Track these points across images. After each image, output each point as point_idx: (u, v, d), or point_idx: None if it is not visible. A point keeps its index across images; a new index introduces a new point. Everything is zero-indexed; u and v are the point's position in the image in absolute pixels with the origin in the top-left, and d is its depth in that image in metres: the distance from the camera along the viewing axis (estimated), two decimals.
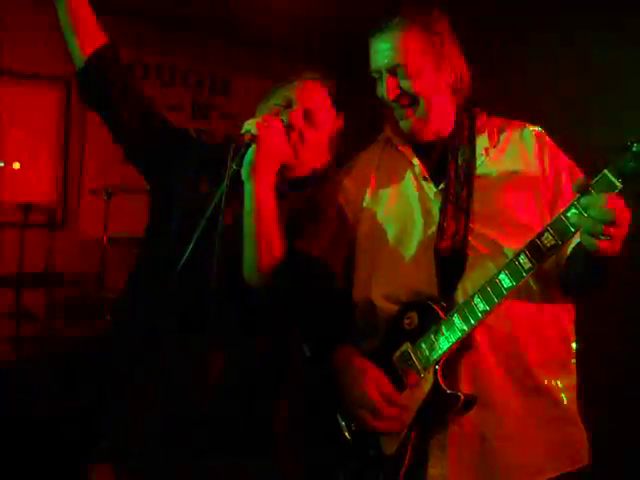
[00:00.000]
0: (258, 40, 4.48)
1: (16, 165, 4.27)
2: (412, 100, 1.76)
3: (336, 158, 1.90)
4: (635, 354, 2.97)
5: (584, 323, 1.79)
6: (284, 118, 1.71)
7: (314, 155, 1.82)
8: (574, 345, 1.75)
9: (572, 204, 1.43)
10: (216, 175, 1.75)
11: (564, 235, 1.45)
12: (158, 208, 1.86)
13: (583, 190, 1.40)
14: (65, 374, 3.51)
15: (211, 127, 4.95)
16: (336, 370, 1.73)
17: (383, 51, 1.75)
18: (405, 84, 1.75)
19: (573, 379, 1.74)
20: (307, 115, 1.76)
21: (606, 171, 1.38)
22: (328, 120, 1.82)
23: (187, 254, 1.53)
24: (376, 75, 1.80)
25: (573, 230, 1.44)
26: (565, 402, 1.69)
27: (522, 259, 1.51)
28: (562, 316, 1.73)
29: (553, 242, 1.47)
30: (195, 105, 4.92)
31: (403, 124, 1.80)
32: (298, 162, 1.77)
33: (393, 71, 1.75)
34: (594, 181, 1.39)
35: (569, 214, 1.43)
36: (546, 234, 1.48)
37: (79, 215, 4.48)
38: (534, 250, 1.49)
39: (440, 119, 1.82)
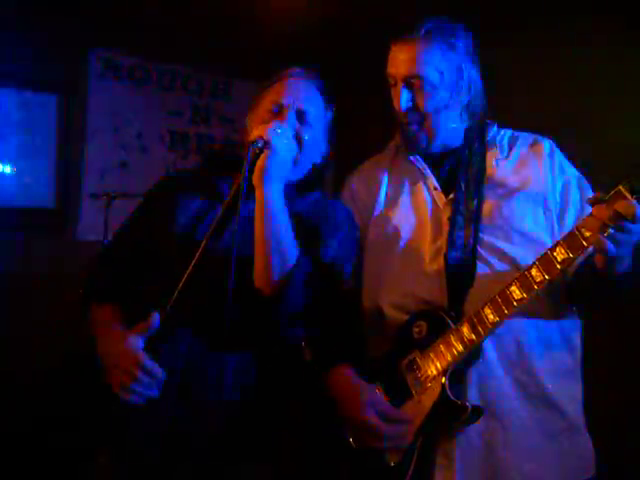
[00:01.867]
0: (258, 44, 4.47)
1: (13, 170, 4.26)
2: (420, 117, 1.78)
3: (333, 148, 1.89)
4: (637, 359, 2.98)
5: (589, 329, 1.80)
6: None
7: (313, 152, 1.82)
8: (580, 353, 1.76)
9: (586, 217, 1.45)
10: (208, 192, 1.76)
11: (576, 249, 1.47)
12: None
13: (597, 204, 1.42)
14: (66, 378, 3.50)
15: (211, 131, 4.96)
16: (333, 391, 1.72)
17: (404, 59, 1.76)
18: (418, 99, 1.76)
19: (579, 388, 1.75)
20: (300, 116, 1.76)
21: (621, 187, 1.39)
22: (321, 115, 1.82)
23: (195, 261, 1.52)
24: (391, 81, 1.81)
25: (586, 245, 1.45)
26: (572, 412, 1.70)
27: (534, 272, 1.52)
28: (568, 324, 1.74)
29: (565, 256, 1.48)
30: (195, 109, 4.92)
31: (409, 140, 1.83)
32: (298, 164, 1.77)
33: (409, 82, 1.76)
34: (608, 196, 1.40)
35: (582, 228, 1.45)
36: (558, 248, 1.49)
37: (79, 219, 4.47)
38: (546, 263, 1.50)
39: (447, 135, 1.83)
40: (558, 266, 1.49)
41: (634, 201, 1.37)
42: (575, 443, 1.69)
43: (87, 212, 4.45)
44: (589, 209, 1.70)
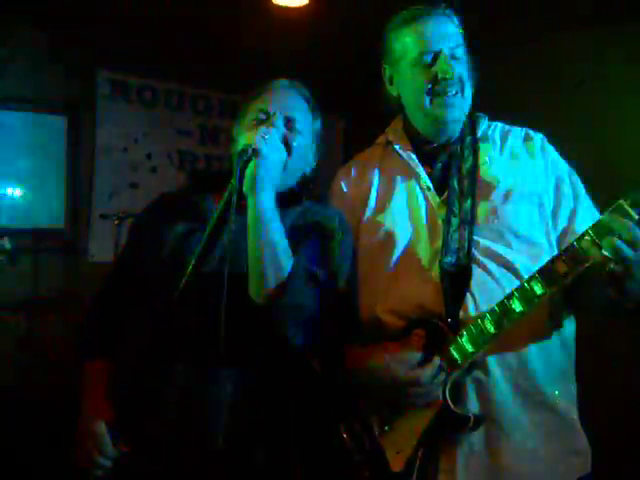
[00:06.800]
0: (265, 63, 4.51)
1: (22, 192, 4.29)
2: (461, 85, 1.73)
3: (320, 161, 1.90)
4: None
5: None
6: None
7: (302, 161, 1.82)
8: (574, 351, 1.74)
9: (586, 231, 1.43)
10: (192, 215, 1.76)
11: (577, 263, 1.44)
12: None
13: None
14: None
15: (220, 151, 4.97)
16: (355, 368, 1.68)
17: (447, 32, 1.74)
18: (459, 68, 1.73)
19: (574, 387, 1.73)
20: (288, 122, 1.76)
21: (621, 202, 1.37)
22: (309, 124, 1.82)
23: (187, 276, 1.54)
24: (428, 55, 1.72)
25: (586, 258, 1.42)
26: (567, 411, 1.68)
27: (534, 285, 1.49)
28: (564, 323, 1.71)
29: (566, 269, 1.45)
30: (204, 129, 4.96)
31: (443, 112, 1.73)
32: (287, 172, 1.75)
33: (452, 53, 1.72)
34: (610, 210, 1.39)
35: (582, 242, 1.42)
36: (559, 261, 1.47)
37: (90, 239, 4.50)
38: (547, 276, 1.48)
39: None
40: (560, 279, 1.46)
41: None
42: (572, 442, 1.67)
43: (97, 233, 4.48)
44: (582, 207, 1.68)
